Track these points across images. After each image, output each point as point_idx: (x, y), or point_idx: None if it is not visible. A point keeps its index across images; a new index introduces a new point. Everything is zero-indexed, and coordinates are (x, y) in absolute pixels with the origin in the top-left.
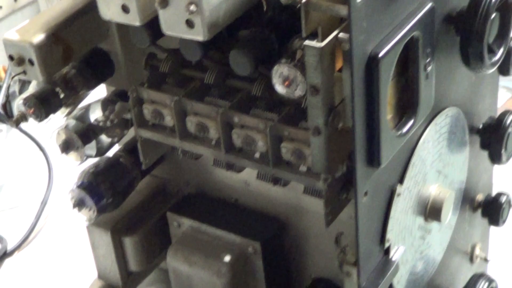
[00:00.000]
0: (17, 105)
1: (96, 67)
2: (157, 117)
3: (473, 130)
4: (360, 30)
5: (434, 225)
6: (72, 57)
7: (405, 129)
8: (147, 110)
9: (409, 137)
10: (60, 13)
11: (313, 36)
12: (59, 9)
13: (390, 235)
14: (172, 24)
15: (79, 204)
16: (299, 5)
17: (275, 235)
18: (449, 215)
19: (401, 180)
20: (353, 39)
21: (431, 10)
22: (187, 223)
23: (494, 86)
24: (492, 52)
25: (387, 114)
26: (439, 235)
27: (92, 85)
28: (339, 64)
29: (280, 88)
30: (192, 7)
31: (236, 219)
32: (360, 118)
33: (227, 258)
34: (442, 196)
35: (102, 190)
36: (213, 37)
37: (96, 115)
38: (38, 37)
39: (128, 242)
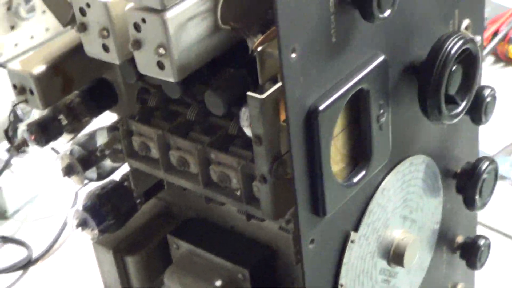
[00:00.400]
0: (21, 131)
1: (100, 96)
2: (144, 149)
3: (449, 174)
4: (295, 85)
5: (400, 268)
6: (73, 88)
7: (355, 180)
8: (136, 142)
9: (366, 185)
10: (63, 45)
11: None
12: (62, 42)
13: (343, 280)
14: (146, 65)
15: (82, 224)
16: (255, 53)
17: (265, 262)
18: (414, 260)
19: (356, 227)
20: (288, 94)
21: (383, 62)
22: (185, 246)
23: (473, 131)
24: (455, 103)
25: (337, 164)
26: (408, 277)
27: (95, 113)
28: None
29: (247, 130)
30: (161, 50)
31: (230, 245)
32: (301, 169)
33: (218, 283)
34: (405, 242)
35: (104, 212)
36: (195, 75)
37: (101, 141)
38: (38, 69)
39: (130, 261)
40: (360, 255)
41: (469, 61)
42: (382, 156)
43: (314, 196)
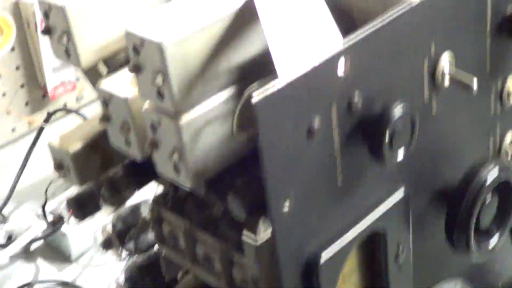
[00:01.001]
0: (60, 206)
1: (143, 170)
2: (172, 238)
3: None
4: (289, 238)
5: None
6: (112, 165)
7: None
8: (165, 230)
9: None
10: None
11: None
12: None
13: None
14: (163, 167)
15: None
16: None
17: None
18: None
19: None
20: (280, 249)
21: (403, 199)
22: None
23: None
24: (489, 234)
25: None
26: None
27: (138, 187)
28: None
29: None
30: (175, 156)
31: None
32: None
33: None
34: None
35: (144, 284)
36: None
37: (145, 213)
38: (75, 146)
39: None
40: None
41: (506, 191)
42: None
43: None
